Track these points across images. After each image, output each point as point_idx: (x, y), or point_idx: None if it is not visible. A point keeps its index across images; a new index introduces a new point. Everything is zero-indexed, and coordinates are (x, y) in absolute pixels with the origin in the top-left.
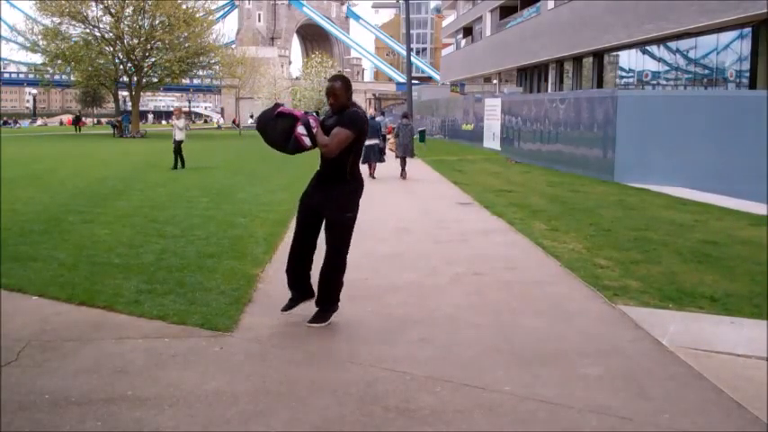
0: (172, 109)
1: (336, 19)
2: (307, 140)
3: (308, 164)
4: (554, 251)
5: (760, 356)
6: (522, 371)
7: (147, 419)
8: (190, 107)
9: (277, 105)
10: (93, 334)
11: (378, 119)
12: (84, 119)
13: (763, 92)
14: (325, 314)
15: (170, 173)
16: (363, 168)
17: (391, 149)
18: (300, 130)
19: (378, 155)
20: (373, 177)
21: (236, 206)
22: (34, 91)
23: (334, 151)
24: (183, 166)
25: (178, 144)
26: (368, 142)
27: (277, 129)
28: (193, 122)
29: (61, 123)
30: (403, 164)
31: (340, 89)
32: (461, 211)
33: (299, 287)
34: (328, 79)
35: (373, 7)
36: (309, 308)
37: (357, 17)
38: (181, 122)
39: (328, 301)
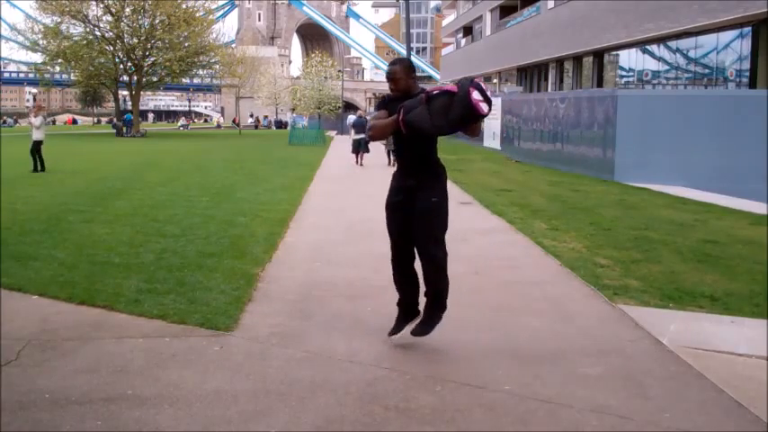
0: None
1: (336, 18)
2: (485, 106)
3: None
4: (554, 250)
5: (760, 356)
6: (522, 371)
7: (147, 419)
8: (190, 106)
9: (424, 92)
10: (93, 334)
11: None
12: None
13: (764, 91)
14: (432, 322)
15: (170, 173)
16: (353, 157)
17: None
18: (476, 95)
19: (365, 147)
20: (361, 165)
21: (237, 205)
22: (34, 90)
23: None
24: (42, 168)
25: (36, 145)
26: (356, 136)
27: (435, 109)
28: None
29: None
30: (389, 154)
31: (401, 72)
32: (461, 211)
33: (406, 303)
34: (389, 63)
35: (373, 7)
36: (309, 307)
37: (357, 16)
38: (37, 121)
39: (438, 306)
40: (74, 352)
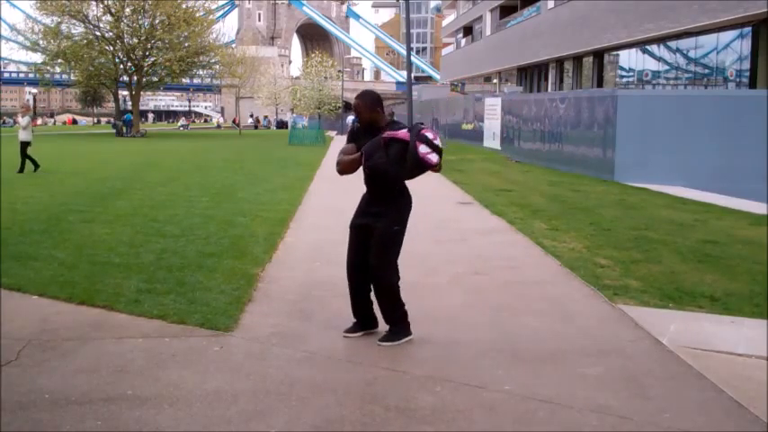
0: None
1: (336, 18)
2: (433, 158)
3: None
4: (554, 251)
5: (760, 356)
6: (522, 371)
7: (147, 419)
8: (190, 106)
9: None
10: (93, 334)
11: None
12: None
13: (764, 91)
14: (398, 337)
15: (170, 173)
16: None
17: None
18: (423, 149)
19: None
20: None
21: (237, 205)
22: (34, 90)
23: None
24: (28, 168)
25: (23, 145)
26: None
27: (392, 156)
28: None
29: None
30: None
31: (362, 107)
32: (461, 211)
33: (361, 314)
34: (355, 96)
35: (373, 7)
36: (309, 307)
37: (357, 16)
38: (24, 121)
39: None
40: (74, 352)
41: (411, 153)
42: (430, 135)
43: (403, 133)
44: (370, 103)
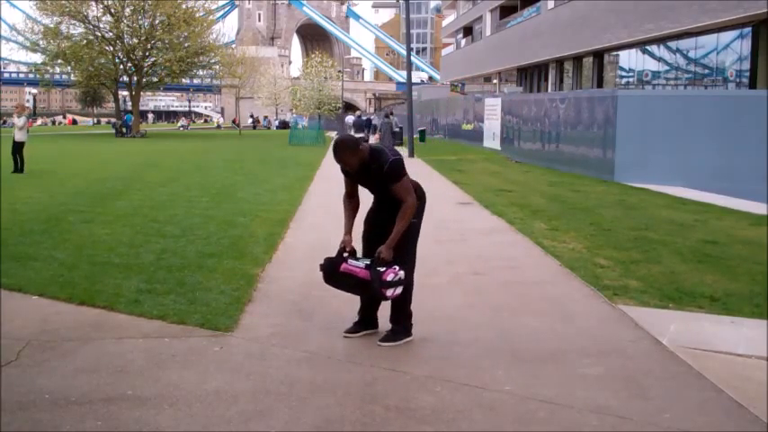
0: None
1: (336, 19)
2: (393, 291)
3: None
4: (554, 251)
5: (760, 356)
6: (522, 371)
7: (147, 419)
8: (190, 107)
9: (340, 256)
10: (93, 334)
11: (387, 119)
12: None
13: (764, 91)
14: (397, 337)
15: (170, 173)
16: None
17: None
18: (387, 291)
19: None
20: None
21: (237, 206)
22: (34, 91)
23: (414, 201)
24: (21, 169)
25: (18, 145)
26: (356, 135)
27: (347, 284)
28: (193, 122)
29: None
30: None
31: (348, 158)
32: (461, 211)
33: (367, 315)
34: (334, 153)
35: (373, 7)
36: (309, 307)
37: (357, 17)
38: (21, 121)
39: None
40: (74, 352)
41: (372, 287)
42: (389, 278)
43: (363, 273)
44: (349, 151)
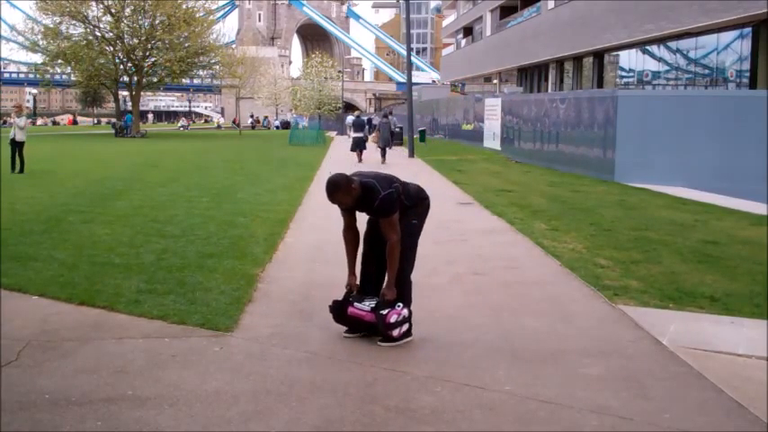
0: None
1: (336, 19)
2: (398, 330)
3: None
4: (554, 251)
5: (760, 356)
6: (522, 371)
7: (147, 419)
8: (190, 107)
9: (347, 300)
10: (93, 334)
11: (385, 119)
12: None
13: (764, 92)
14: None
15: (170, 173)
16: (352, 156)
17: (374, 141)
18: (393, 332)
19: (363, 144)
20: (360, 162)
21: (237, 206)
22: (34, 91)
23: (398, 239)
24: (22, 169)
25: (19, 145)
26: (355, 135)
27: (357, 324)
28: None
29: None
30: (383, 152)
31: (342, 197)
32: (461, 211)
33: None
34: (327, 194)
35: (373, 7)
36: (309, 307)
37: (357, 17)
38: (21, 121)
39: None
40: (74, 352)
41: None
42: (392, 320)
43: (369, 316)
44: (342, 191)
